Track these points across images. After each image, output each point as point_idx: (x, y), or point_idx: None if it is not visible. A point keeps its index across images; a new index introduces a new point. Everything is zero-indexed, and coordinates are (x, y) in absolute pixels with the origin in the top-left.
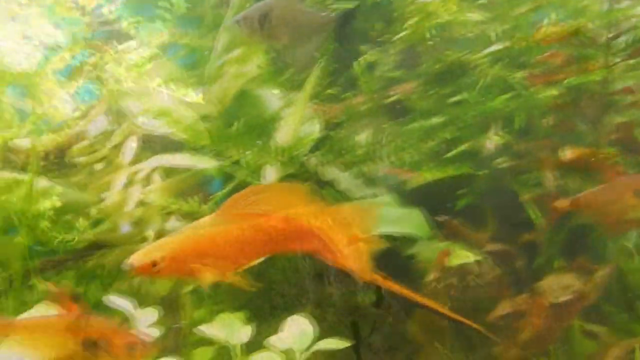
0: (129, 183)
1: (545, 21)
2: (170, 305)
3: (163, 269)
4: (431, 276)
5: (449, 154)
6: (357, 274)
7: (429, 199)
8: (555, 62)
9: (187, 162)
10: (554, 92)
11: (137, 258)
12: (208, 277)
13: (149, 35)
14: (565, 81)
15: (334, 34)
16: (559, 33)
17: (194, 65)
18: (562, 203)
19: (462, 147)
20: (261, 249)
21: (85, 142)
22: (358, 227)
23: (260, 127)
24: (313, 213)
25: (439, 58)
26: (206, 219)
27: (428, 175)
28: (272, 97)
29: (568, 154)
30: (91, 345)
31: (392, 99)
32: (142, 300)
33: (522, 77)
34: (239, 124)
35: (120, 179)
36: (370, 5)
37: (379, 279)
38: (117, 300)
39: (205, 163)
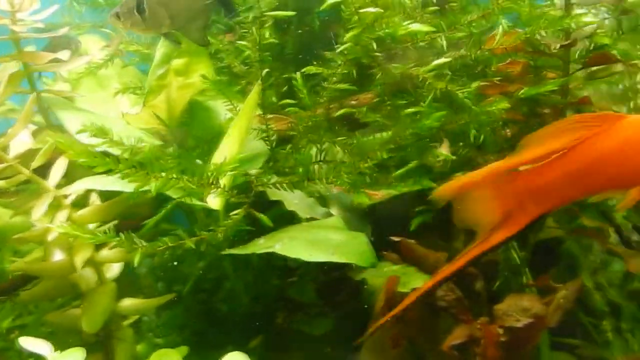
0: (57, 207)
1: (498, 29)
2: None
3: None
4: (380, 303)
5: (399, 171)
6: None
7: (386, 218)
8: (514, 71)
9: (115, 186)
10: (504, 105)
11: None
12: None
13: (95, 42)
14: (521, 91)
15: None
16: (511, 42)
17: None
18: None
19: (413, 163)
20: None
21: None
22: None
23: (210, 142)
24: None
25: (385, 71)
26: None
27: (384, 193)
28: (224, 109)
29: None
30: None
31: (340, 112)
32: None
33: (475, 88)
34: (188, 139)
35: (43, 204)
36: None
37: None
38: (32, 344)
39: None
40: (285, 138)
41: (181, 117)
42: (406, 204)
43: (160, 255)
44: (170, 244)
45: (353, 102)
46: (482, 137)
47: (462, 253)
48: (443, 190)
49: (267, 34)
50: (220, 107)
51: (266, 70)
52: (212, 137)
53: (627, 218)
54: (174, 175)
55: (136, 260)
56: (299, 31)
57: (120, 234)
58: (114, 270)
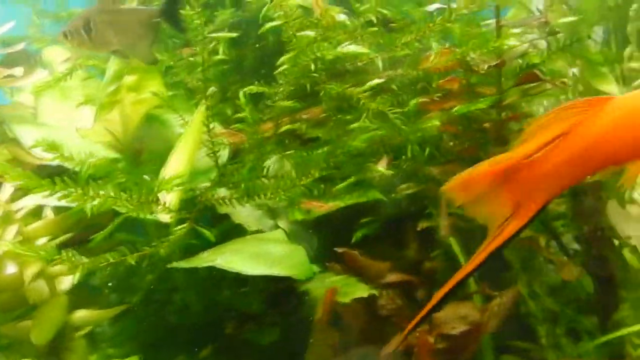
0: (7, 221)
1: (434, 49)
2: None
3: None
4: (319, 314)
5: (340, 186)
6: None
7: (332, 229)
8: (453, 88)
9: (62, 201)
10: (436, 122)
11: None
12: None
13: (58, 54)
14: (455, 109)
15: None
16: (444, 62)
17: None
18: None
19: (352, 178)
20: None
21: None
22: None
23: (164, 155)
24: None
25: (325, 91)
26: None
27: (331, 205)
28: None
29: None
30: None
31: (284, 128)
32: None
33: (414, 104)
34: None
35: None
36: None
37: None
38: None
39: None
40: (240, 152)
41: (136, 130)
42: (355, 214)
43: (112, 267)
44: (112, 260)
45: (305, 116)
46: (427, 150)
47: (480, 249)
48: (451, 186)
49: (221, 50)
50: (176, 120)
51: (212, 88)
52: (166, 150)
53: (565, 226)
54: (112, 195)
55: (76, 277)
56: (257, 45)
57: (64, 250)
58: (65, 282)
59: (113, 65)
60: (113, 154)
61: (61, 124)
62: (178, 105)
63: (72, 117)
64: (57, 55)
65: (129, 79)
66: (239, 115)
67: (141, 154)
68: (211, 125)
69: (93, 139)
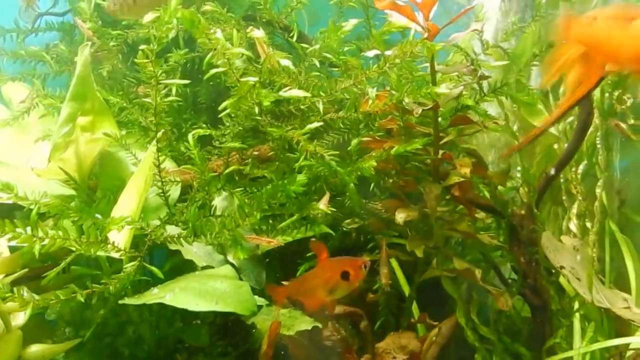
0: None
1: (371, 94)
2: None
3: None
4: (264, 347)
5: (283, 224)
6: None
7: (280, 262)
8: (393, 127)
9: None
10: (372, 163)
11: None
12: None
13: (18, 91)
14: (393, 150)
15: None
16: (381, 106)
17: None
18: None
19: (296, 216)
20: None
21: None
22: None
23: (118, 192)
24: None
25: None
26: None
27: (279, 240)
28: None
29: (400, 217)
30: None
31: (229, 169)
32: None
33: (355, 144)
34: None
35: None
36: None
37: None
38: None
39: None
40: (191, 187)
41: (92, 167)
42: (303, 247)
43: (66, 301)
44: (62, 297)
45: (255, 153)
46: (371, 186)
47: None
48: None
49: (174, 90)
50: (130, 158)
51: (162, 130)
52: (120, 187)
53: (503, 256)
54: (61, 235)
55: (27, 314)
56: (211, 82)
57: (16, 288)
58: (20, 318)
59: (66, 108)
60: (68, 191)
61: (18, 160)
62: (132, 142)
63: (29, 152)
64: (15, 92)
65: (83, 120)
66: (190, 153)
67: (96, 191)
68: (163, 164)
69: (50, 176)
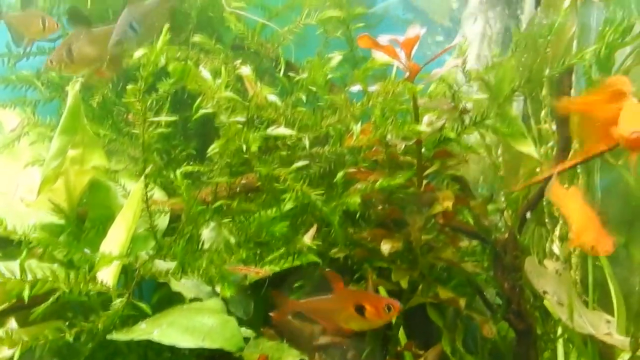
0: None
1: (354, 129)
2: None
3: None
4: None
5: (269, 258)
6: None
7: (269, 292)
8: (378, 159)
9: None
10: (356, 199)
11: None
12: None
13: (10, 117)
14: (377, 184)
15: None
16: (365, 141)
17: None
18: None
19: (283, 249)
20: None
21: None
22: None
23: (107, 222)
24: None
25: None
26: None
27: (267, 270)
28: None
29: (385, 248)
30: None
31: (217, 204)
32: None
33: (341, 176)
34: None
35: None
36: None
37: None
38: None
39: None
40: (179, 217)
41: (81, 197)
42: (292, 276)
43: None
44: (50, 337)
45: (244, 182)
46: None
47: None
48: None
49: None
50: (119, 188)
51: (151, 166)
52: (110, 216)
53: (487, 282)
54: (49, 277)
55: (17, 355)
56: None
57: (3, 330)
58: (5, 352)
59: (56, 142)
60: (57, 221)
61: (8, 186)
62: (121, 168)
63: (19, 178)
64: (6, 118)
65: (73, 152)
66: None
67: (84, 220)
68: (151, 193)
69: (40, 207)
